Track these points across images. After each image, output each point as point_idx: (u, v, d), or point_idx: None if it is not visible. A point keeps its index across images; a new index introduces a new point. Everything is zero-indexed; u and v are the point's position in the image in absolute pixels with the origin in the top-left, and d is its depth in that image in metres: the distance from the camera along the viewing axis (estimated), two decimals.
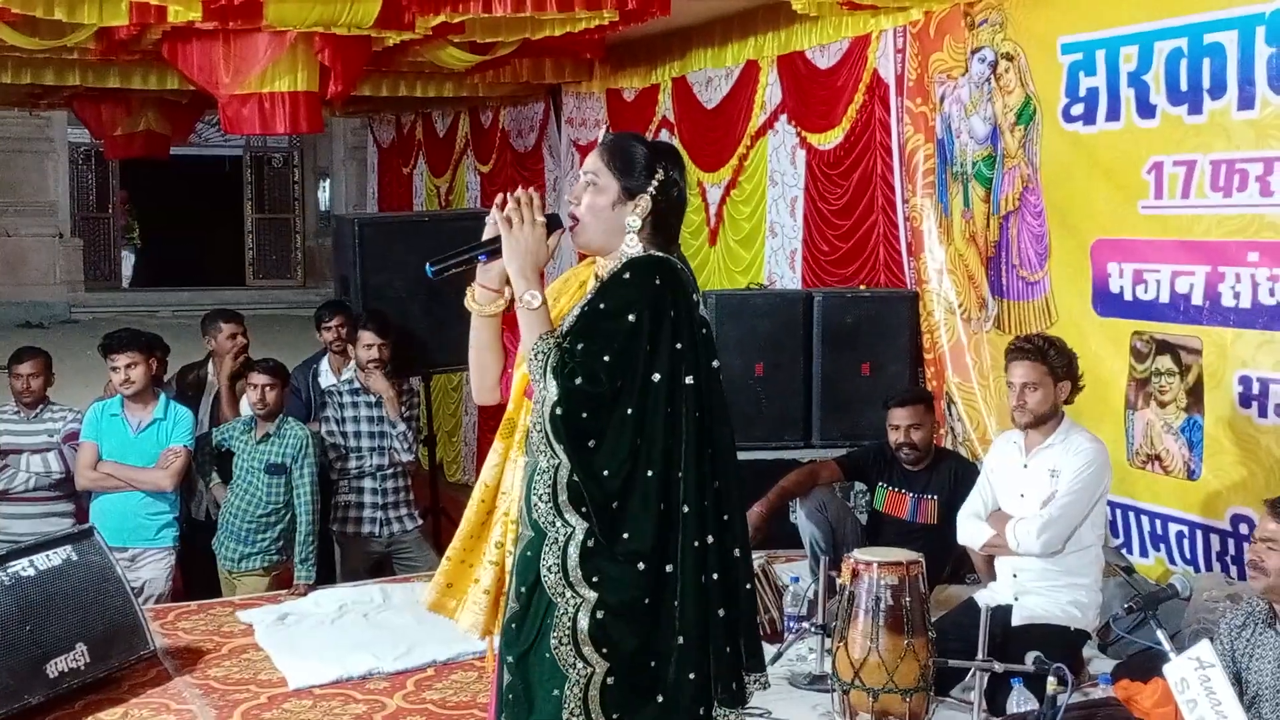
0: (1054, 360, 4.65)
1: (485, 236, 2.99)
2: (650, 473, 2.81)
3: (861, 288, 6.77)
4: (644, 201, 2.95)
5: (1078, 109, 5.52)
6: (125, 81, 9.18)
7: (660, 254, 2.95)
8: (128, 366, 5.91)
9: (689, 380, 2.86)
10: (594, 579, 2.79)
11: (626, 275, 2.89)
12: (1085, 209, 5.52)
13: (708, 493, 2.89)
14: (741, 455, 6.44)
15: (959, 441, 6.16)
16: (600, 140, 3.07)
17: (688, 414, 2.87)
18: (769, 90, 7.65)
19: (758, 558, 5.41)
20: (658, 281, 2.87)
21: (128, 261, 22.86)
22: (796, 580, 5.25)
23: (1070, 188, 5.59)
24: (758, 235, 7.78)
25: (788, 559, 5.88)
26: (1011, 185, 5.90)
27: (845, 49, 6.96)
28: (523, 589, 2.85)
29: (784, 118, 7.55)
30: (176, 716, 4.52)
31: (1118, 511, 5.36)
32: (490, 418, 11.03)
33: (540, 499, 2.80)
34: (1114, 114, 5.33)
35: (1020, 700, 4.14)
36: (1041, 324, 5.70)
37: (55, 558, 4.74)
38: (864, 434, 6.17)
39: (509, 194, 2.97)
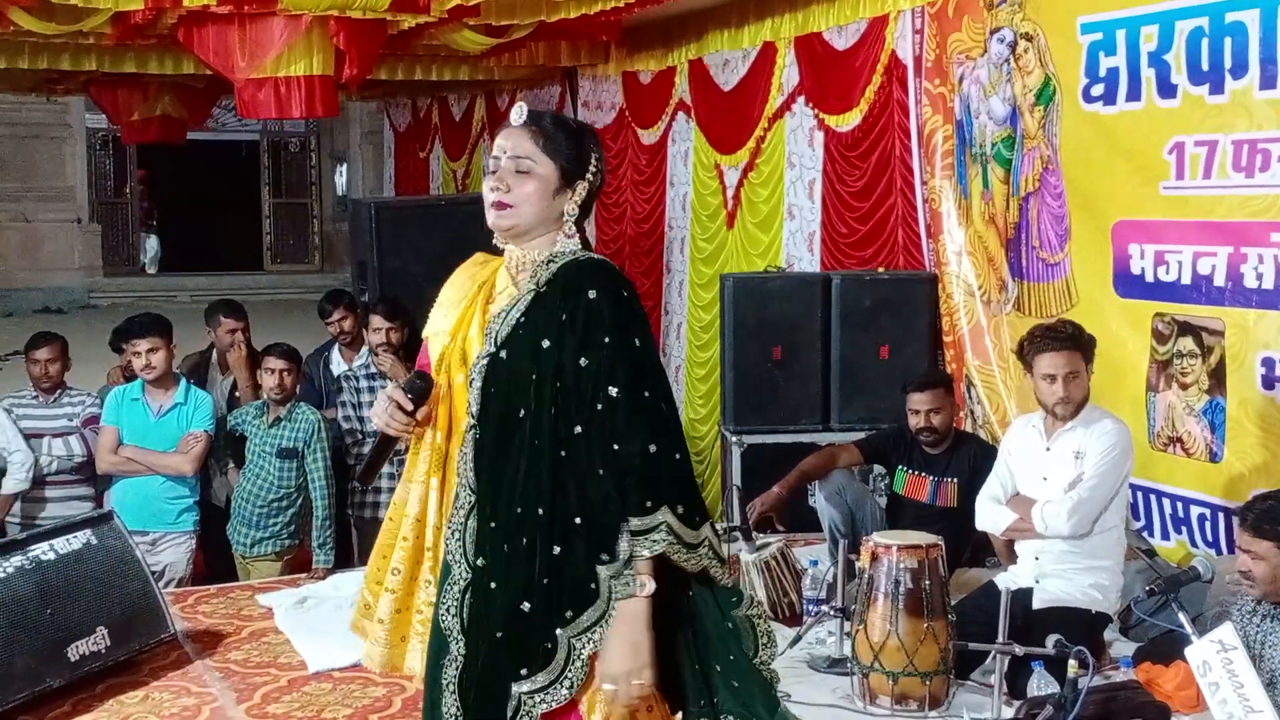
0: (1087, 344, 4.62)
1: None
2: None
3: (880, 270, 6.75)
4: (581, 187, 2.79)
5: (1098, 89, 5.48)
6: (141, 66, 9.20)
7: (600, 257, 2.81)
8: (149, 351, 5.92)
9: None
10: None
11: (593, 294, 2.67)
12: (1106, 190, 5.48)
13: None
14: (759, 438, 6.52)
15: (979, 425, 6.14)
16: (518, 118, 2.81)
17: None
18: (786, 72, 7.62)
19: (777, 540, 5.42)
20: (625, 294, 2.72)
21: (149, 245, 22.70)
22: (815, 563, 5.25)
23: (1090, 169, 5.55)
24: (775, 218, 7.76)
25: (806, 542, 5.87)
26: (1031, 166, 5.87)
27: (863, 30, 6.93)
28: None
29: (802, 99, 7.52)
30: (197, 699, 4.53)
31: (1139, 494, 5.34)
32: None
33: None
34: (1134, 94, 5.29)
35: (1041, 683, 4.12)
36: (1062, 306, 5.67)
37: (75, 541, 4.74)
38: (883, 417, 6.15)
39: None
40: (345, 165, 22.14)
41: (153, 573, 5.08)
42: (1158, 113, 5.18)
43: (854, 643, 4.38)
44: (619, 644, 2.61)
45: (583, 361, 2.65)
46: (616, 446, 2.62)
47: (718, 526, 5.33)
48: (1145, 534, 5.33)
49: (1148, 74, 5.21)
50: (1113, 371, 5.23)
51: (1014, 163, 5.97)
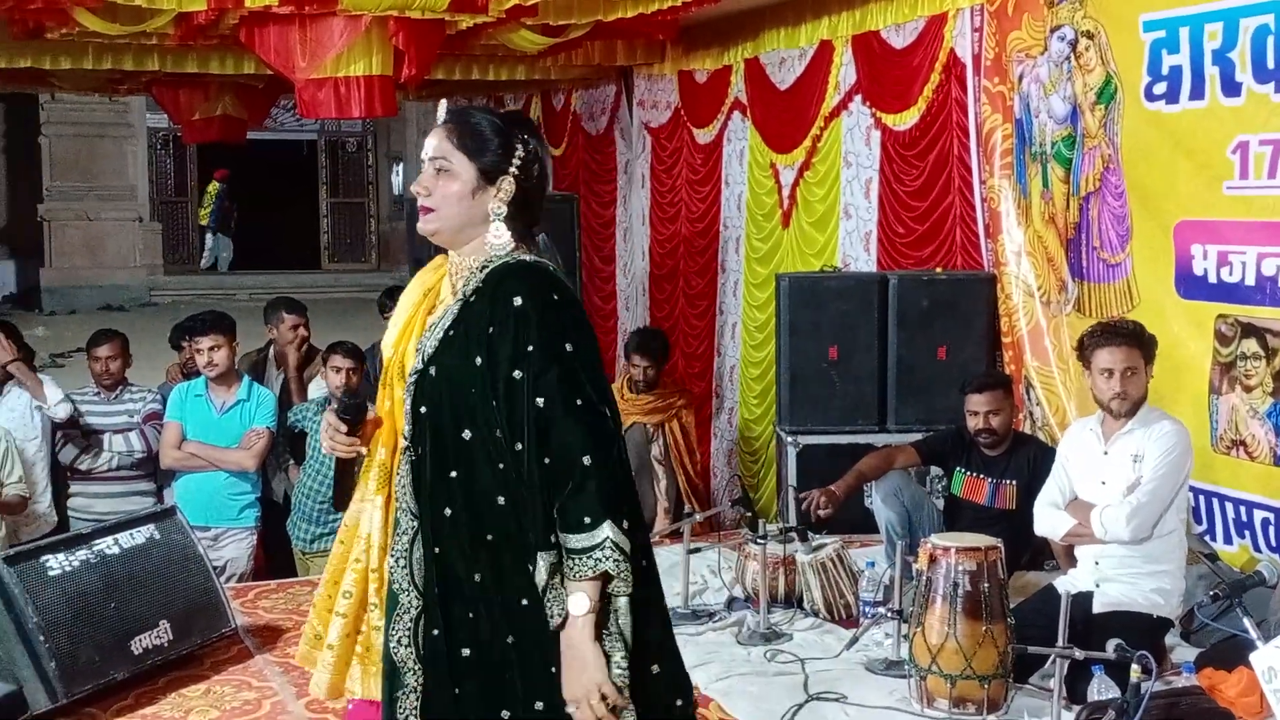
0: (1148, 343, 4.58)
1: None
2: None
3: (938, 270, 6.70)
4: (507, 184, 2.65)
5: (1160, 88, 5.41)
6: (203, 66, 9.30)
7: (531, 259, 2.66)
8: (211, 349, 6.00)
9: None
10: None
11: (519, 300, 2.55)
12: (1168, 190, 5.41)
13: None
14: (815, 439, 6.49)
15: (1038, 427, 6.08)
16: (440, 117, 2.72)
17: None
18: (843, 70, 7.58)
19: (833, 542, 5.41)
20: (555, 297, 2.59)
21: (223, 245, 22.74)
22: (872, 565, 5.23)
23: (1152, 168, 5.49)
24: (831, 217, 7.73)
25: (863, 544, 5.85)
26: (1092, 166, 5.81)
27: (921, 28, 6.88)
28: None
29: (858, 98, 7.48)
30: (258, 693, 4.57)
31: (1201, 498, 5.27)
32: None
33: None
34: (1198, 93, 5.22)
35: (1101, 688, 4.08)
36: (1123, 307, 5.61)
37: (139, 536, 4.81)
38: (940, 419, 6.11)
39: None
40: (402, 164, 22.29)
41: (214, 568, 5.14)
42: (1222, 111, 5.11)
43: (911, 645, 4.36)
44: (569, 667, 2.52)
45: (516, 374, 2.54)
46: (548, 461, 2.51)
47: (772, 527, 5.36)
48: (1207, 538, 5.26)
49: (1211, 72, 5.14)
50: (1175, 373, 5.16)
51: (1074, 162, 5.91)
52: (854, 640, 4.79)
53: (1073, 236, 5.95)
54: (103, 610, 4.53)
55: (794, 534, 5.35)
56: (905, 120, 7.02)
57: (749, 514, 5.63)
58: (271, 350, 7.21)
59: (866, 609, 5.06)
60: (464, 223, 2.67)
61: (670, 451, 7.43)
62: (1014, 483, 5.42)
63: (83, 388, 6.66)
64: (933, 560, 4.31)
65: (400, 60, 7.19)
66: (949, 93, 6.72)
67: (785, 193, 8.19)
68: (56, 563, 4.52)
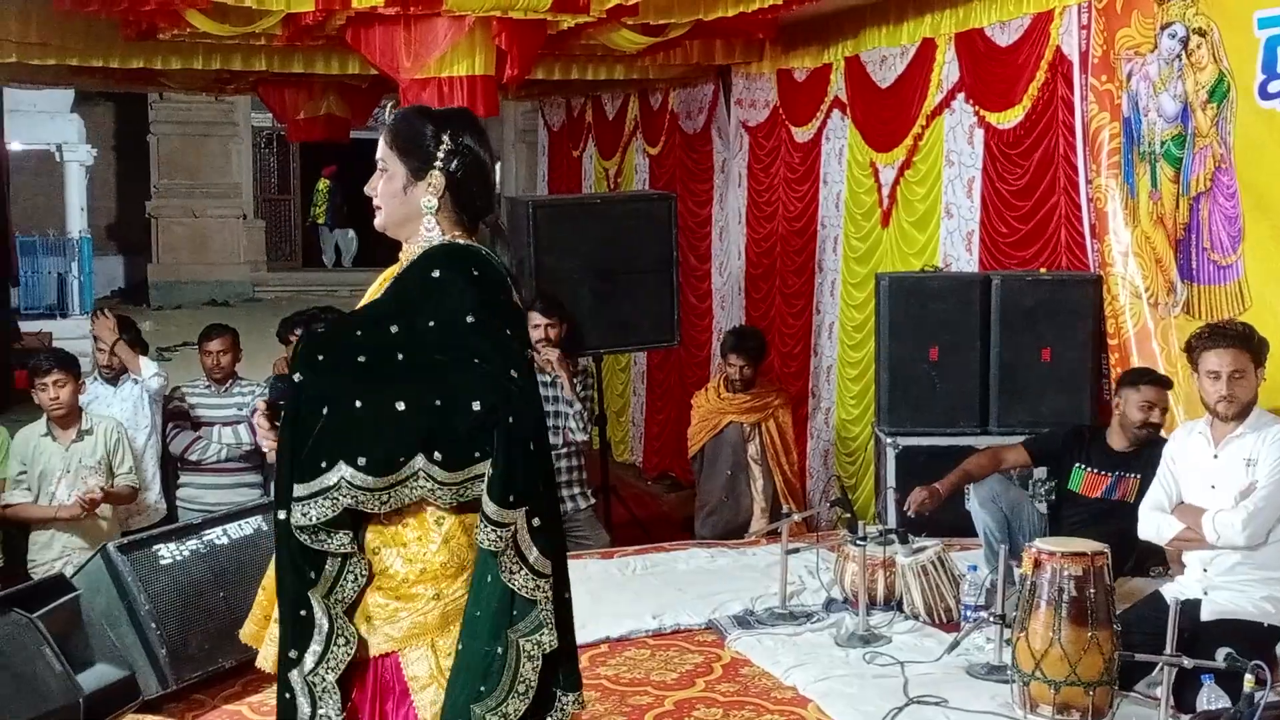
0: (1258, 346, 4.49)
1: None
2: None
3: (1042, 271, 6.61)
4: (435, 178, 2.79)
5: (1275, 86, 5.28)
6: (309, 66, 9.44)
7: (463, 242, 2.82)
8: None
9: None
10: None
11: (436, 274, 2.76)
12: None
13: None
14: (915, 440, 6.43)
15: None
16: (385, 121, 2.93)
17: None
18: (946, 69, 7.51)
19: (935, 544, 5.36)
20: (476, 273, 2.76)
21: (348, 240, 23.09)
22: (974, 569, 5.18)
23: (1266, 168, 5.36)
24: (933, 216, 7.65)
25: (963, 547, 5.79)
26: (1203, 165, 5.69)
27: (1026, 25, 6.79)
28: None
29: (961, 96, 7.40)
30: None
31: None
32: (659, 399, 11.11)
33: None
34: None
35: (1211, 698, 4.01)
36: (1234, 309, 5.49)
37: (247, 527, 4.93)
38: (1044, 421, 6.02)
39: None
40: (499, 164, 22.46)
41: None
42: None
43: (1015, 650, 4.31)
44: None
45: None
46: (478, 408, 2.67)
47: (872, 529, 5.32)
48: None
49: None
50: None
51: (1184, 161, 5.80)
52: (955, 644, 4.75)
53: (1182, 237, 5.84)
54: (212, 599, 4.64)
55: (894, 536, 5.31)
56: (1009, 119, 6.93)
57: (848, 515, 5.60)
58: None
59: (968, 613, 5.01)
60: (403, 217, 2.85)
61: (766, 451, 7.43)
62: (1138, 476, 5.30)
63: (193, 380, 6.81)
64: (1037, 565, 4.26)
65: (503, 60, 7.25)
66: (1055, 91, 6.63)
67: (885, 192, 8.13)
68: (168, 552, 4.64)
